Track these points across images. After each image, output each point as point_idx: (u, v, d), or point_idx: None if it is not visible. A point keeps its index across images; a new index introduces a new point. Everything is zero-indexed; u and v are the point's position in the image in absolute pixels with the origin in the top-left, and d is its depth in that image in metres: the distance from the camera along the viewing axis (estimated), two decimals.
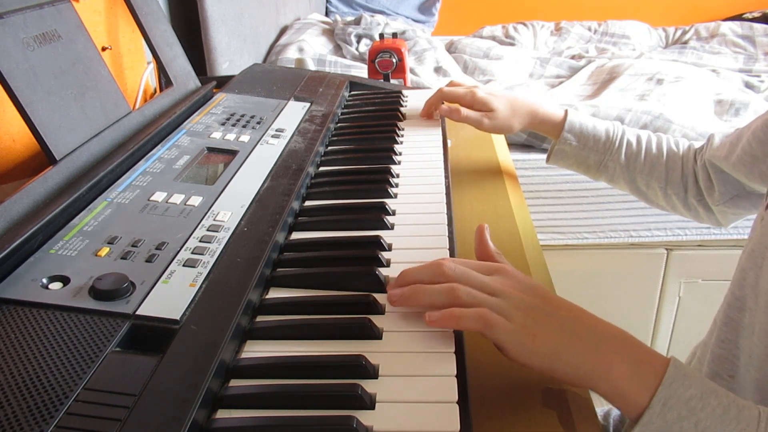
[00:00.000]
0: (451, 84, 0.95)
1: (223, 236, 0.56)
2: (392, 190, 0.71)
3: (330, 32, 2.09)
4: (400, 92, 1.05)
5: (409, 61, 1.61)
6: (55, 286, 0.47)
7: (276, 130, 0.81)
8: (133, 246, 0.52)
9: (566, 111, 0.90)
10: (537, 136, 1.58)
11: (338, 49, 1.99)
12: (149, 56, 1.03)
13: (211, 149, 0.74)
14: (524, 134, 1.59)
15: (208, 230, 0.56)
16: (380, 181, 0.72)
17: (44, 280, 0.47)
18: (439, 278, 0.48)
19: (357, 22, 2.10)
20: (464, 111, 0.89)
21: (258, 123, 0.83)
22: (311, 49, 1.85)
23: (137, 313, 0.45)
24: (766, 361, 0.58)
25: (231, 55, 1.54)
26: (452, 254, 0.58)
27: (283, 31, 2.07)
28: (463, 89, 0.91)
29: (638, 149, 0.88)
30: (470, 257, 0.67)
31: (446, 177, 0.75)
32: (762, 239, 0.62)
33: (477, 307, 0.46)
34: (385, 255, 0.57)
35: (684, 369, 0.43)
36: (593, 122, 0.89)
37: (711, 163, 0.83)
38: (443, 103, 0.92)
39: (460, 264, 0.50)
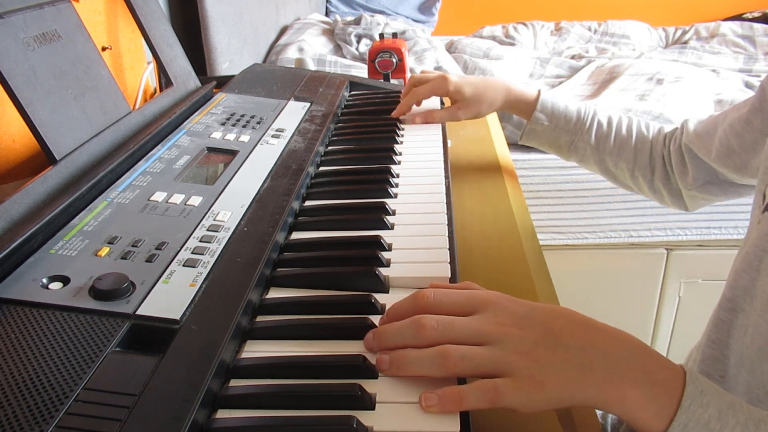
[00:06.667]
0: (422, 72, 0.98)
1: (223, 236, 0.56)
2: (392, 190, 0.71)
3: (330, 32, 2.09)
4: (400, 92, 1.05)
5: (409, 61, 1.61)
6: (55, 286, 0.47)
7: (276, 130, 0.81)
8: (133, 246, 0.52)
9: (539, 91, 0.91)
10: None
11: (338, 49, 1.99)
12: (149, 56, 1.03)
13: (211, 149, 0.74)
14: None
15: (208, 230, 0.56)
16: (380, 181, 0.72)
17: (44, 280, 0.47)
18: (421, 340, 0.43)
19: (357, 22, 2.10)
20: (437, 113, 0.93)
21: (258, 123, 0.83)
22: (311, 49, 1.85)
23: (137, 313, 0.45)
24: (757, 364, 0.58)
25: (231, 55, 1.54)
26: (452, 254, 0.58)
27: (283, 31, 2.07)
28: (434, 75, 0.93)
29: (608, 130, 0.90)
30: (470, 256, 0.68)
31: (446, 177, 0.75)
32: (759, 242, 0.61)
33: (475, 372, 0.42)
34: (385, 255, 0.57)
35: (700, 383, 0.41)
36: (565, 102, 0.91)
37: (688, 148, 0.84)
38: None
39: (441, 297, 0.46)
